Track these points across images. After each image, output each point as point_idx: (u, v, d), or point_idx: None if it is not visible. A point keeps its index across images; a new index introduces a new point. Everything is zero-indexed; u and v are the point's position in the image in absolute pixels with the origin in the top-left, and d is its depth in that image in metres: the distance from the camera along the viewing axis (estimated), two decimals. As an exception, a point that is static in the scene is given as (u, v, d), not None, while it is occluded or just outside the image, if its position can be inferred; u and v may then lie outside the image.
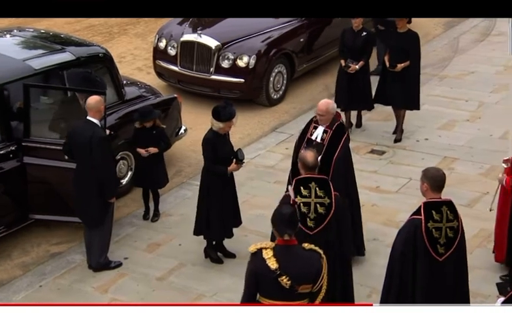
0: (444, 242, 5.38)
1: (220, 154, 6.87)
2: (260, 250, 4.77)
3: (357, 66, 9.13)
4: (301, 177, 5.93)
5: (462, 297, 5.59)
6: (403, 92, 9.11)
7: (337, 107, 9.28)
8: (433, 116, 9.94)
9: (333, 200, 5.86)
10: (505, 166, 6.61)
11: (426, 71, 11.32)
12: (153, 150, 7.68)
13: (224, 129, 6.85)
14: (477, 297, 6.56)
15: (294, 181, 5.95)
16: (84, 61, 8.00)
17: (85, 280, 7.00)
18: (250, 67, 10.23)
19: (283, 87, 10.70)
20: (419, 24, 12.85)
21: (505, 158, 6.73)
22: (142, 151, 7.69)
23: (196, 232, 7.16)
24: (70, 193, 7.12)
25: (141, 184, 7.99)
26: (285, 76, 10.68)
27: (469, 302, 5.68)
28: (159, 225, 7.86)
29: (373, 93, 9.38)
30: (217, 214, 6.95)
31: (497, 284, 6.70)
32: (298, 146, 6.98)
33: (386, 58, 9.18)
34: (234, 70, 10.24)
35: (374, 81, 9.49)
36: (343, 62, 9.25)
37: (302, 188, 5.84)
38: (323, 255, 4.85)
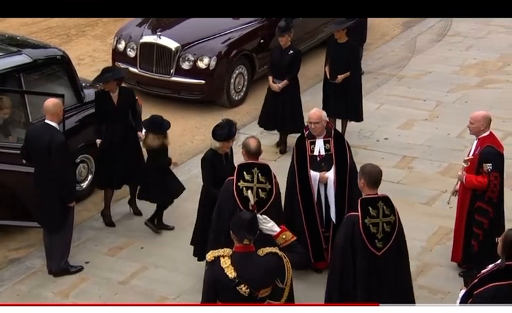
0: (382, 236, 5.49)
1: (218, 175, 6.47)
2: (217, 258, 4.74)
3: (280, 85, 8.87)
4: (244, 162, 6.11)
5: (404, 290, 5.68)
6: (344, 104, 8.99)
7: (263, 128, 9.24)
8: (393, 115, 10.07)
9: (274, 186, 6.04)
10: (465, 165, 6.71)
11: (385, 71, 11.46)
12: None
13: (221, 149, 6.61)
14: (437, 294, 6.66)
15: (237, 167, 6.09)
16: (41, 63, 7.89)
17: (45, 286, 6.90)
18: (211, 68, 10.20)
19: (244, 88, 10.69)
20: (378, 24, 13.03)
21: (466, 158, 6.83)
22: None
23: (192, 242, 6.87)
24: (28, 197, 6.99)
25: (159, 199, 7.58)
26: (246, 77, 10.69)
27: (412, 295, 5.75)
28: (121, 228, 7.78)
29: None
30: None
31: (463, 275, 6.77)
32: (300, 170, 6.72)
33: (326, 69, 9.13)
34: (194, 72, 10.20)
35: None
36: (270, 79, 9.02)
37: (245, 173, 6.01)
38: (280, 252, 4.88)
